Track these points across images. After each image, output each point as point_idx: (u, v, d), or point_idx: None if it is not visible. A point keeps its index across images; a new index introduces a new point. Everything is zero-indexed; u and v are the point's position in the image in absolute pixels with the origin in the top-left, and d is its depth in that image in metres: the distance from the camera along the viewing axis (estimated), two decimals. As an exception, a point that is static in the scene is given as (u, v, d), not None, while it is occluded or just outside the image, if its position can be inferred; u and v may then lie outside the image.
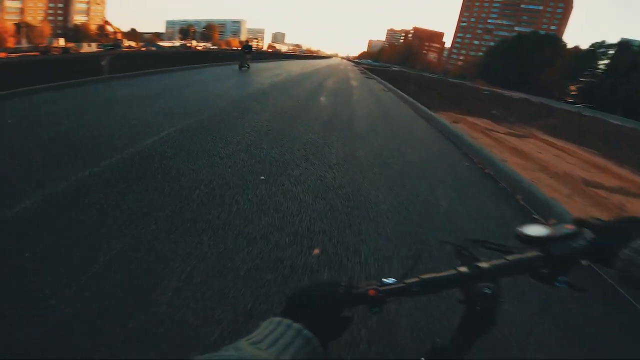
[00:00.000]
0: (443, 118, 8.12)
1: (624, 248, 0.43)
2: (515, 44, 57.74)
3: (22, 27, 43.18)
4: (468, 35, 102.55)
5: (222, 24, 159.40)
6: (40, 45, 39.85)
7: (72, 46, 41.96)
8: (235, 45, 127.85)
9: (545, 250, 0.47)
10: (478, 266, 0.49)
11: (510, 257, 0.49)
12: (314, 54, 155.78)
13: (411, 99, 11.01)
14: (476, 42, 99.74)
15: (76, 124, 4.52)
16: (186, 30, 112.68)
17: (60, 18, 79.22)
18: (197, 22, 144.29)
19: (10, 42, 49.38)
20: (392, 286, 0.48)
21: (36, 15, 72.56)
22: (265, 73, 15.93)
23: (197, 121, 5.30)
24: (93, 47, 52.19)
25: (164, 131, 4.48)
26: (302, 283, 0.58)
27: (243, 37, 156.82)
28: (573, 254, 0.47)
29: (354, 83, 16.88)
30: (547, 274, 0.48)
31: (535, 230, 0.49)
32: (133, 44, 54.48)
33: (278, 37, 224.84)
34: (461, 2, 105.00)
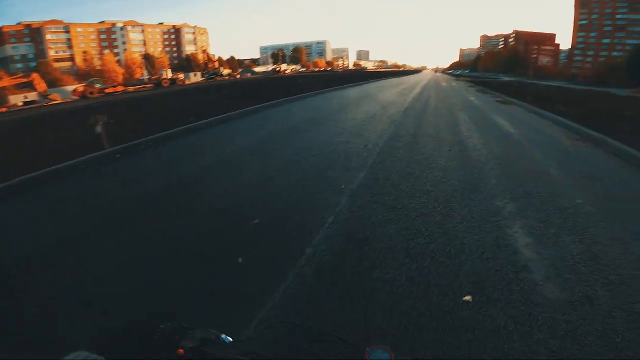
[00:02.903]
0: None
1: None
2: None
3: (144, 59, 49.79)
4: (592, 34, 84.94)
5: (308, 46, 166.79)
6: (153, 77, 43.83)
7: (180, 76, 45.73)
8: (322, 65, 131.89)
9: None
10: None
11: None
12: (401, 69, 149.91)
13: None
14: (606, 40, 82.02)
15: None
16: (276, 54, 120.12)
17: (174, 49, 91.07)
18: (286, 46, 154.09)
19: (138, 74, 57.06)
20: (214, 347, 0.52)
21: (156, 46, 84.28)
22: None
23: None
24: (198, 77, 57.83)
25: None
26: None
27: (329, 57, 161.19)
28: None
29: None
30: None
31: (377, 357, 0.53)
32: (228, 71, 58.16)
33: (362, 55, 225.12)
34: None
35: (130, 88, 37.68)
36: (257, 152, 6.05)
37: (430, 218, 3.55)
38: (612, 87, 23.53)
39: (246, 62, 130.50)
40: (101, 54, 68.74)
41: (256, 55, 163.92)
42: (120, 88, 35.66)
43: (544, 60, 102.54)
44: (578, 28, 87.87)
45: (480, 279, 2.51)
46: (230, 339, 0.55)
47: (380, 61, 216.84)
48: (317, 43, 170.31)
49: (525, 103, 13.87)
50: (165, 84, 39.57)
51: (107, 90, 32.65)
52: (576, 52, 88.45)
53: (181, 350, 0.48)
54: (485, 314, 2.14)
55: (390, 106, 13.17)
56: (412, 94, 18.93)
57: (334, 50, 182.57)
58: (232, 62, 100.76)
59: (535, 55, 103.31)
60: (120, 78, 60.24)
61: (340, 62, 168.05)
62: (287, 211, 3.82)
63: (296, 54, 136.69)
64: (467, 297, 2.31)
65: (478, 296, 2.33)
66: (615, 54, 76.61)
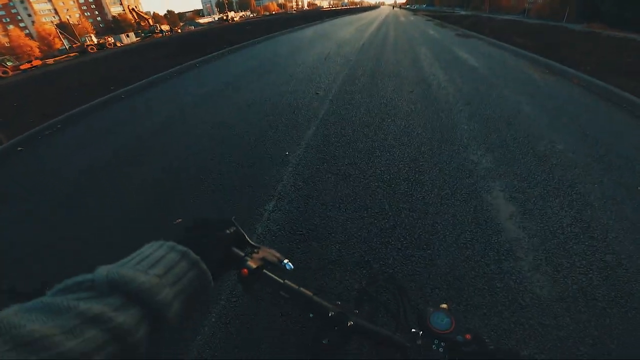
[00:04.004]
0: None
1: None
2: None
3: (58, 28, 42.61)
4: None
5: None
6: (74, 46, 38.30)
7: (109, 40, 39.87)
8: (274, 9, 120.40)
9: (412, 344, 0.51)
10: (346, 316, 0.52)
11: (383, 330, 0.53)
12: (358, 6, 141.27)
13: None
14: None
15: None
16: (221, 2, 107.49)
17: (96, 12, 79.32)
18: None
19: (59, 44, 49.88)
20: (271, 275, 0.54)
21: (72, 13, 73.31)
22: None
23: None
24: (132, 37, 50.66)
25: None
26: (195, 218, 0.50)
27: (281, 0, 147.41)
28: None
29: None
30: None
31: (438, 320, 0.53)
32: (166, 27, 51.18)
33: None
34: None
35: (50, 60, 32.70)
36: (177, 122, 4.90)
37: (395, 187, 2.81)
38: (563, 21, 23.05)
39: (188, 14, 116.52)
40: (4, 30, 59.00)
41: (199, 6, 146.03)
42: (37, 62, 31.12)
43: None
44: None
45: (458, 285, 1.86)
46: (292, 266, 0.54)
47: None
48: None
49: (484, 36, 13.28)
50: (92, 50, 34.62)
51: (22, 67, 28.88)
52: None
53: (245, 271, 0.51)
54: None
55: (346, 45, 11.78)
56: (369, 30, 17.28)
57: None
58: (171, 17, 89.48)
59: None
60: (37, 52, 52.74)
61: (293, 3, 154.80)
62: (206, 206, 2.82)
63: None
64: (444, 305, 1.67)
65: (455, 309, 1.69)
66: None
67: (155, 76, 8.27)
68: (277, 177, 3.07)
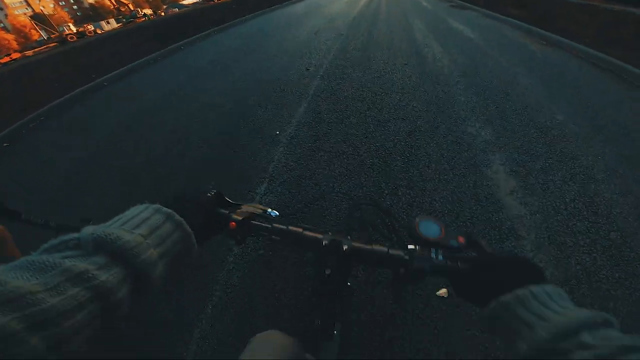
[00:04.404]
0: None
1: (502, 291, 0.39)
2: None
3: (32, 19, 40.73)
4: None
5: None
6: (53, 36, 36.89)
7: (89, 27, 38.34)
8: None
9: (410, 256, 0.50)
10: (340, 242, 0.52)
11: (378, 248, 0.52)
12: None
13: None
14: None
15: None
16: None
17: (71, 1, 75.72)
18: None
19: (37, 35, 48.04)
20: (259, 223, 0.54)
21: (45, 4, 69.97)
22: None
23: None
24: (113, 23, 48.69)
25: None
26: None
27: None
28: (433, 269, 0.48)
29: None
30: (403, 275, 0.50)
31: (427, 228, 0.51)
32: (148, 11, 49.02)
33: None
34: None
35: (30, 52, 31.53)
36: (162, 107, 4.63)
37: (391, 164, 2.68)
38: None
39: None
40: None
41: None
42: (17, 55, 30.00)
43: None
44: None
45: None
46: (277, 213, 0.56)
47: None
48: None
49: (479, 8, 12.82)
50: (72, 39, 33.27)
51: (1, 61, 27.93)
52: None
53: (233, 224, 0.52)
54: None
55: (337, 18, 11.31)
56: (360, 3, 16.66)
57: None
58: (154, 1, 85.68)
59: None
60: (14, 44, 50.87)
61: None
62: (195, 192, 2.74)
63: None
64: (442, 291, 1.64)
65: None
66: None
67: (138, 62, 7.90)
68: (268, 158, 2.93)
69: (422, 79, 4.51)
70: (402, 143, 2.95)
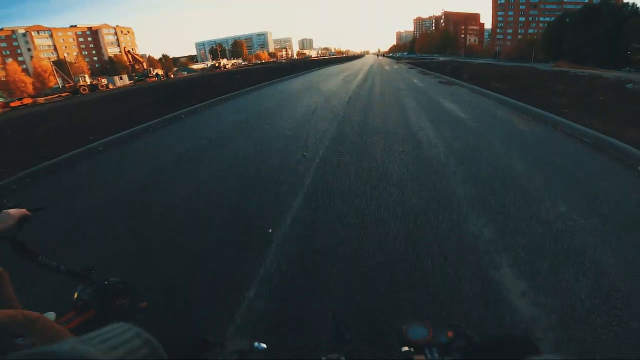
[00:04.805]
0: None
1: None
2: (589, 17, 45.48)
3: (54, 66, 43.20)
4: (510, 13, 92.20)
5: (249, 38, 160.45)
6: (67, 85, 38.81)
7: (102, 81, 40.57)
8: (265, 57, 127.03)
9: None
10: None
11: None
12: (344, 55, 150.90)
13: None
14: (522, 19, 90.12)
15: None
16: (215, 50, 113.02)
17: (93, 52, 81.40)
18: (225, 40, 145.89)
19: (53, 82, 50.26)
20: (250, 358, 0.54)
21: (70, 51, 75.05)
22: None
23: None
24: (125, 80, 51.77)
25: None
26: None
27: (271, 48, 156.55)
28: None
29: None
30: None
31: (415, 332, 0.55)
32: (159, 71, 52.62)
33: (306, 43, 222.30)
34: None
35: (41, 99, 32.77)
36: (148, 187, 4.53)
37: (393, 269, 2.46)
38: (531, 62, 24.92)
39: (182, 59, 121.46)
40: (3, 63, 59.65)
41: (193, 52, 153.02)
42: (28, 100, 31.08)
43: (472, 39, 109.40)
44: (497, 7, 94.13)
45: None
46: (264, 345, 0.56)
47: (324, 48, 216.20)
48: (258, 35, 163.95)
49: (464, 82, 14.11)
50: (84, 92, 34.92)
51: (12, 104, 28.73)
52: (498, 30, 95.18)
53: None
54: None
55: (333, 97, 12.07)
56: (356, 81, 18.05)
57: (276, 41, 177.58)
58: (165, 61, 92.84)
59: (463, 36, 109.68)
60: (30, 88, 53.12)
61: (283, 53, 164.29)
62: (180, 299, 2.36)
63: (237, 47, 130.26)
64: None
65: None
66: (531, 31, 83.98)
67: (137, 128, 8.05)
68: (260, 260, 2.69)
69: (420, 169, 4.53)
70: (403, 246, 2.77)
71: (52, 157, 5.87)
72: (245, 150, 5.84)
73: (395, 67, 33.60)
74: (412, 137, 6.16)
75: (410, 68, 29.25)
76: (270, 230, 3.10)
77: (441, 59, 44.81)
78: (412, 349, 0.53)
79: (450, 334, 0.53)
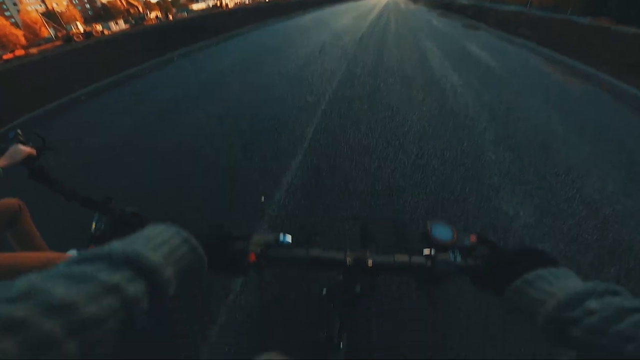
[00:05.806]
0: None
1: (515, 278, 0.43)
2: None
3: (43, 16, 40.67)
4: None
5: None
6: (59, 34, 36.69)
7: (97, 27, 38.16)
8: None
9: (432, 261, 0.52)
10: (365, 258, 0.54)
11: (399, 258, 0.54)
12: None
13: None
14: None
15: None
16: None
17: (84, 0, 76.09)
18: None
19: (45, 32, 47.91)
20: (277, 251, 0.55)
21: (59, 1, 70.29)
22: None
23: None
24: (122, 25, 48.57)
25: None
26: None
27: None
28: (454, 271, 0.51)
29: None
30: (428, 280, 0.53)
31: (441, 232, 0.54)
32: (154, 15, 48.93)
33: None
34: None
35: (34, 49, 31.28)
36: (125, 145, 4.00)
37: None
38: (567, 13, 21.91)
39: (182, 1, 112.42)
40: None
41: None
42: (20, 52, 29.72)
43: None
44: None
45: None
46: (290, 237, 0.57)
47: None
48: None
49: (492, 29, 12.46)
50: (78, 39, 32.92)
51: (5, 57, 27.57)
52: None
53: (252, 255, 0.52)
54: None
55: (344, 35, 10.76)
56: (368, 19, 16.19)
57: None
58: (164, 3, 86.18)
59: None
60: (22, 40, 50.93)
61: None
62: None
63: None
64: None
65: None
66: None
67: (123, 74, 7.29)
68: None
69: (443, 122, 3.83)
70: (422, 223, 2.26)
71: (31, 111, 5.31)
72: (239, 97, 5.12)
73: (412, 7, 30.26)
74: (434, 83, 5.35)
75: (429, 10, 26.23)
76: (263, 200, 2.61)
77: (464, 2, 40.12)
78: (433, 251, 0.53)
79: (473, 238, 0.53)
